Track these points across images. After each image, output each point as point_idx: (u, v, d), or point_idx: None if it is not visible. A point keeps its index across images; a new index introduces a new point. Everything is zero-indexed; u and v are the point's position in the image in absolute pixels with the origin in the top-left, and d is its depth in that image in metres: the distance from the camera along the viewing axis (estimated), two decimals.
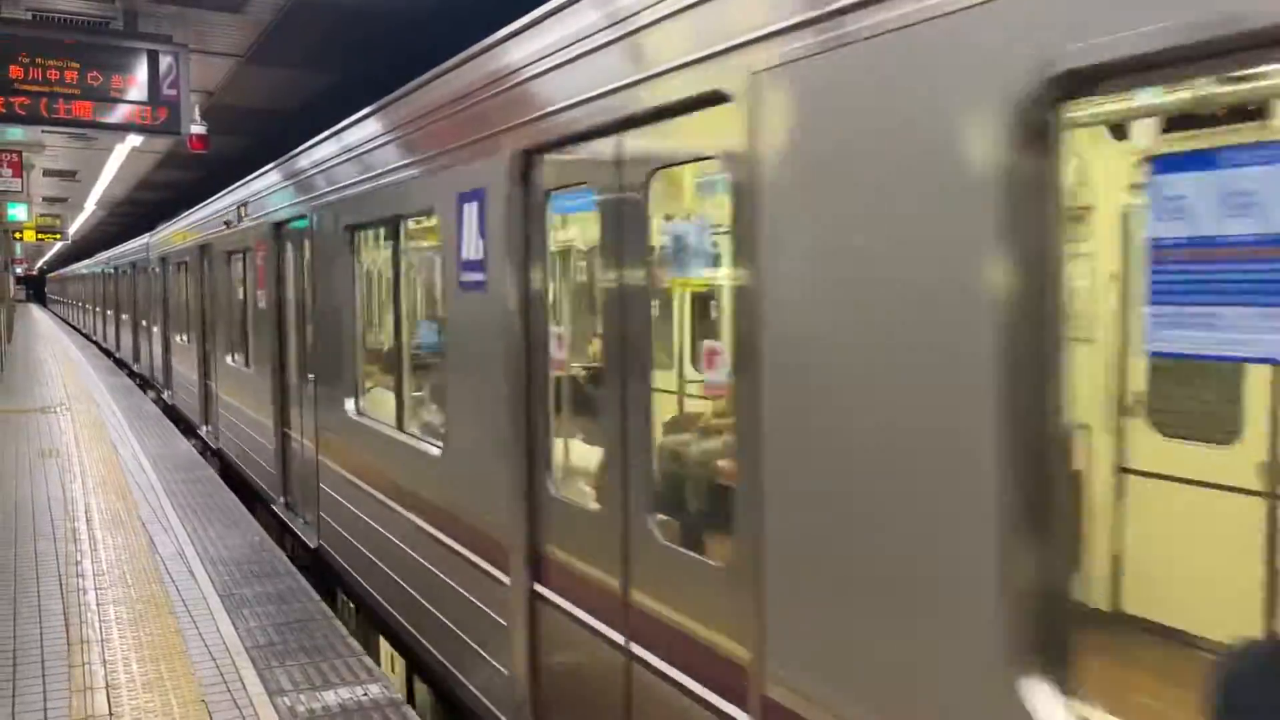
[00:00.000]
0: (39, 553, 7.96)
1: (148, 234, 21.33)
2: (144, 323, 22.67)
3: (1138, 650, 4.30)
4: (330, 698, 5.30)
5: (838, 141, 2.54)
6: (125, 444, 13.26)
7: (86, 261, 43.44)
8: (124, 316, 27.65)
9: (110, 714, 5.04)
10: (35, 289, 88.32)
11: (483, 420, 4.72)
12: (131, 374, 24.42)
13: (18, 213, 21.66)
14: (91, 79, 8.09)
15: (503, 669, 4.60)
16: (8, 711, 5.08)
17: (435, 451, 5.44)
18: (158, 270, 19.48)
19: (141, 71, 8.29)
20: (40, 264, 72.75)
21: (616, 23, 3.45)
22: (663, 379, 4.05)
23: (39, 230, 29.34)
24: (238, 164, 14.18)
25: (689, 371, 5.39)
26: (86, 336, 40.24)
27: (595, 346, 4.19)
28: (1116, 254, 5.08)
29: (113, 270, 30.21)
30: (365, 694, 5.35)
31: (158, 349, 19.97)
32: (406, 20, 8.61)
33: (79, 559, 7.78)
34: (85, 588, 7.08)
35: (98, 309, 37.65)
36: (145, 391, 20.92)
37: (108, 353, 31.33)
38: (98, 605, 6.70)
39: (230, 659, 5.80)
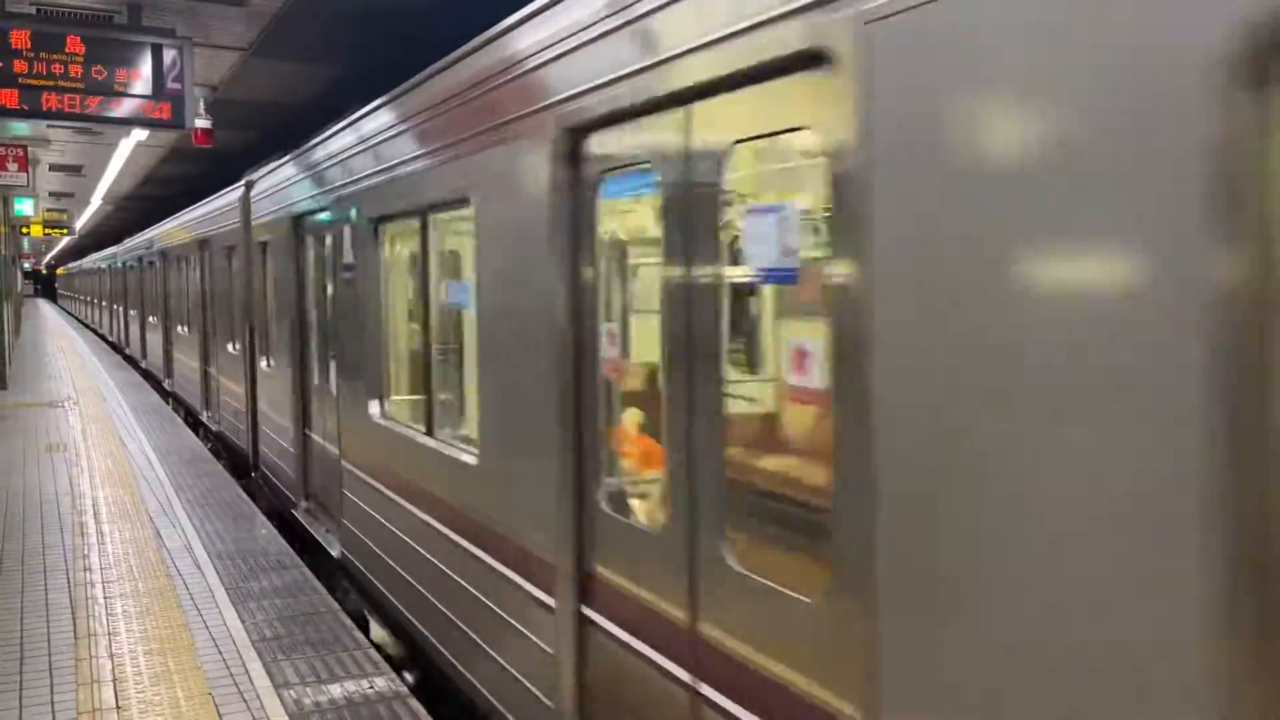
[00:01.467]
0: (46, 546, 7.99)
1: (238, 185, 11.60)
2: (231, 346, 12.50)
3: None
4: (336, 690, 5.31)
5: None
6: (132, 438, 13.30)
7: (111, 250, 33.51)
8: (180, 330, 17.82)
9: (117, 707, 5.06)
10: (44, 284, 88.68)
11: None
12: (194, 422, 16.00)
13: (25, 208, 21.77)
14: (96, 73, 8.10)
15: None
16: (15, 704, 5.10)
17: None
18: (268, 251, 10.28)
19: (146, 65, 8.29)
20: (48, 259, 72.96)
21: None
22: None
23: (46, 225, 29.48)
24: (243, 159, 14.19)
25: None
26: (117, 349, 30.64)
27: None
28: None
29: (155, 259, 20.80)
30: (370, 687, 5.36)
31: (269, 410, 10.40)
32: (410, 12, 8.59)
33: (86, 552, 7.80)
34: (92, 581, 7.10)
35: (128, 310, 28.09)
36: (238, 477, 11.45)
37: (145, 374, 22.72)
38: (105, 599, 6.72)
39: (237, 652, 5.81)
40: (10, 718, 4.96)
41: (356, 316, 6.93)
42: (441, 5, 8.21)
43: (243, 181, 11.41)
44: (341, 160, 7.20)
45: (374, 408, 6.64)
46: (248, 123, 13.97)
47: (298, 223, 8.79)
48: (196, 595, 6.83)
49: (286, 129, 12.13)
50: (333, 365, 7.84)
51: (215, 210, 13.45)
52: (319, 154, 7.96)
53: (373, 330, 6.65)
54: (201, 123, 10.11)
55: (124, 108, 8.35)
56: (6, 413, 15.56)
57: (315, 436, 8.64)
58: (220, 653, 5.80)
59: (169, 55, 8.33)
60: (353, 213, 6.88)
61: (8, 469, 11.09)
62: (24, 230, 29.18)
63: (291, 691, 5.29)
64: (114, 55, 8.18)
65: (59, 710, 5.03)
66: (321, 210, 7.88)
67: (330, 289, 7.91)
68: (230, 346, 12.50)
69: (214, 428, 14.14)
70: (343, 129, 7.22)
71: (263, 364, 10.63)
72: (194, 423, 15.93)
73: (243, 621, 6.33)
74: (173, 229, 18.07)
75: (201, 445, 13.12)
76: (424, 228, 5.76)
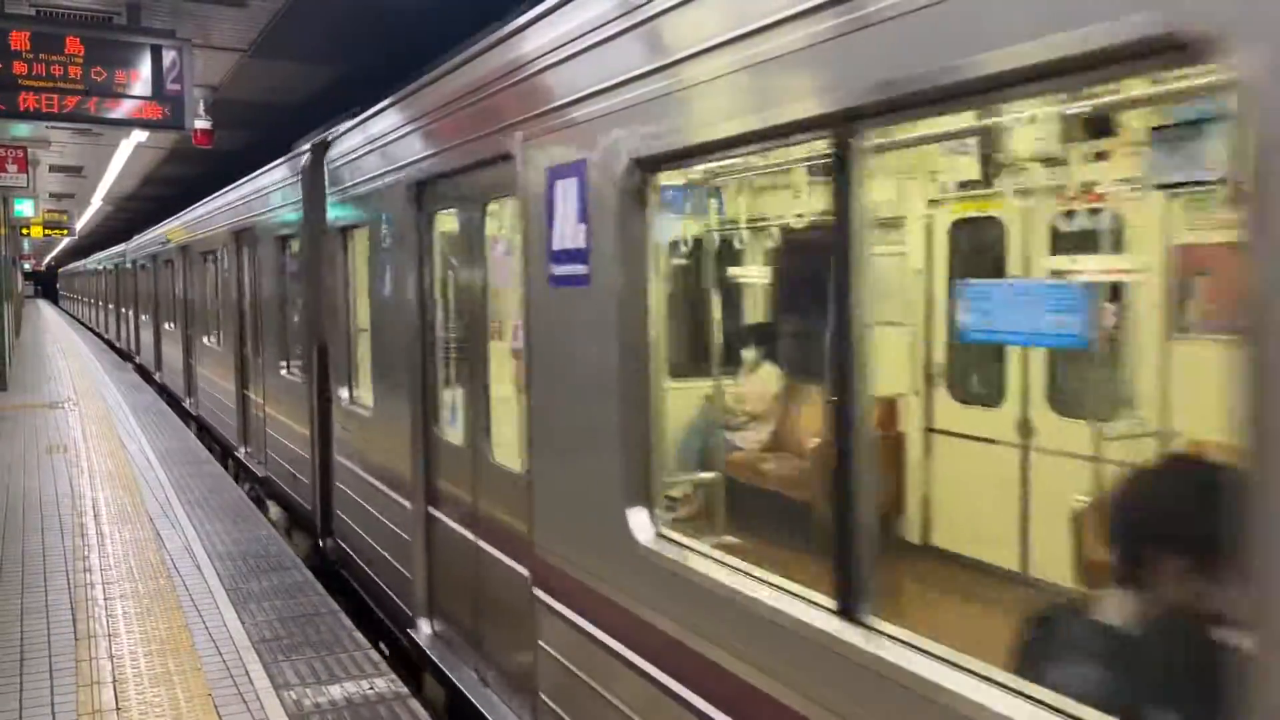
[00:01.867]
0: (46, 547, 7.98)
1: (299, 152, 8.84)
2: (285, 369, 9.60)
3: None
4: (336, 692, 5.30)
5: None
6: (133, 439, 13.30)
7: (118, 248, 29.44)
8: (205, 341, 14.52)
9: (117, 708, 5.06)
10: (46, 285, 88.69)
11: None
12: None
13: (25, 208, 21.78)
14: (95, 74, 8.10)
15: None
16: (15, 705, 5.10)
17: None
18: (356, 238, 7.30)
19: (145, 66, 8.30)
20: (49, 259, 73.04)
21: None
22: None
23: (46, 226, 29.49)
24: (243, 159, 14.19)
25: None
26: (126, 357, 27.26)
27: None
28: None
29: (173, 257, 17.43)
30: (371, 688, 5.36)
31: (356, 465, 7.25)
32: (409, 12, 8.59)
33: (86, 554, 7.80)
34: (93, 582, 7.10)
35: (139, 315, 24.30)
36: None
37: (160, 389, 19.33)
38: (105, 600, 6.72)
39: (237, 653, 5.81)
40: (10, 719, 4.97)
41: (582, 348, 3.89)
42: (441, 5, 8.22)
43: (306, 146, 8.50)
44: (544, 69, 4.05)
45: (638, 520, 3.53)
46: (248, 123, 13.98)
47: (423, 192, 5.79)
48: (196, 596, 6.83)
49: (286, 129, 12.14)
50: (506, 423, 4.96)
51: (260, 191, 10.25)
52: (481, 70, 4.73)
53: (633, 373, 3.56)
54: (201, 123, 10.11)
55: (124, 109, 8.35)
56: (7, 414, 15.57)
57: (454, 524, 5.50)
58: (220, 654, 5.80)
59: (168, 56, 8.33)
60: (587, 156, 3.71)
61: (8, 470, 11.09)
62: (24, 231, 29.19)
63: (292, 692, 5.29)
64: (113, 56, 8.18)
65: (59, 711, 5.03)
66: (489, 163, 4.70)
67: (503, 297, 5.14)
68: (284, 369, 9.53)
69: (259, 471, 10.68)
70: (551, 10, 3.99)
71: (343, 398, 7.59)
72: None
73: (243, 622, 6.32)
74: (196, 219, 14.75)
75: (200, 445, 13.11)
76: (840, 161, 2.55)
